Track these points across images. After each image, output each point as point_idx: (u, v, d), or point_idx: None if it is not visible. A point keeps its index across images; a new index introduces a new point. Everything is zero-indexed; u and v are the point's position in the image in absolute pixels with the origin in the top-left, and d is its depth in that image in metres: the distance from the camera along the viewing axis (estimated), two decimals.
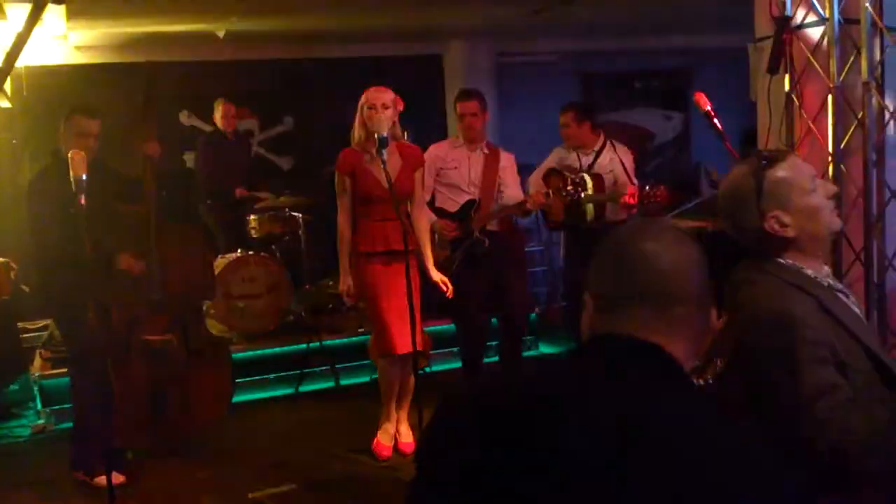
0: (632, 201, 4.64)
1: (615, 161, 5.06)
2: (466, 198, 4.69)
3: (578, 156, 5.15)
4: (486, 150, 4.74)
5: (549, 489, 1.07)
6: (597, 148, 5.14)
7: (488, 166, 4.71)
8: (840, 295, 1.97)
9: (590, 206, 4.88)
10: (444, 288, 4.15)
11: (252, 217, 6.19)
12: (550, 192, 4.62)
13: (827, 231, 1.96)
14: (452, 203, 4.71)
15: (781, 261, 1.92)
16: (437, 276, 4.17)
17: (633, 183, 4.91)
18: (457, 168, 4.70)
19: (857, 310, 2.02)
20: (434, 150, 4.71)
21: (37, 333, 5.61)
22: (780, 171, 1.90)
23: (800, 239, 1.91)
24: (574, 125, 5.10)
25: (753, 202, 1.89)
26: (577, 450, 1.08)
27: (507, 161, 4.80)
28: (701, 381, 3.84)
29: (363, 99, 3.97)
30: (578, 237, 5.27)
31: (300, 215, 6.17)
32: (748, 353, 1.97)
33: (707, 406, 1.22)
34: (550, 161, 5.29)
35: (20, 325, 5.41)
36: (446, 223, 4.65)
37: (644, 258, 1.26)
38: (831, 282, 1.97)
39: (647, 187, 4.64)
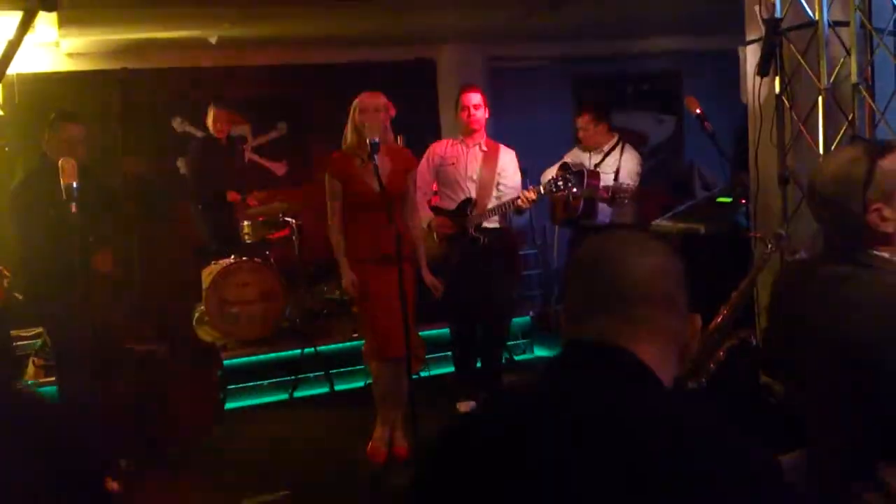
0: (604, 195, 4.84)
1: (619, 161, 5.12)
2: (464, 195, 4.72)
3: (590, 155, 5.23)
4: (484, 147, 4.76)
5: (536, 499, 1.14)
6: (607, 148, 5.21)
7: (487, 162, 4.74)
8: None
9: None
10: (436, 291, 4.16)
11: (245, 223, 6.18)
12: (542, 188, 4.64)
13: None
14: (450, 201, 4.74)
15: (878, 253, 1.87)
16: (429, 278, 4.18)
17: (615, 179, 5.02)
18: (454, 164, 4.73)
19: None
20: (434, 148, 4.78)
21: (30, 342, 5.58)
22: (891, 164, 1.85)
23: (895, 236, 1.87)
24: (591, 128, 5.21)
25: (860, 190, 1.84)
26: (552, 460, 1.15)
27: (507, 157, 4.82)
28: (694, 385, 3.85)
29: (355, 103, 3.98)
30: (576, 236, 5.32)
31: (294, 220, 6.17)
32: (869, 346, 1.86)
33: (672, 399, 1.26)
34: (566, 157, 5.37)
35: (13, 333, 5.39)
36: (443, 220, 4.68)
37: (606, 266, 1.31)
38: None
39: (622, 185, 4.86)
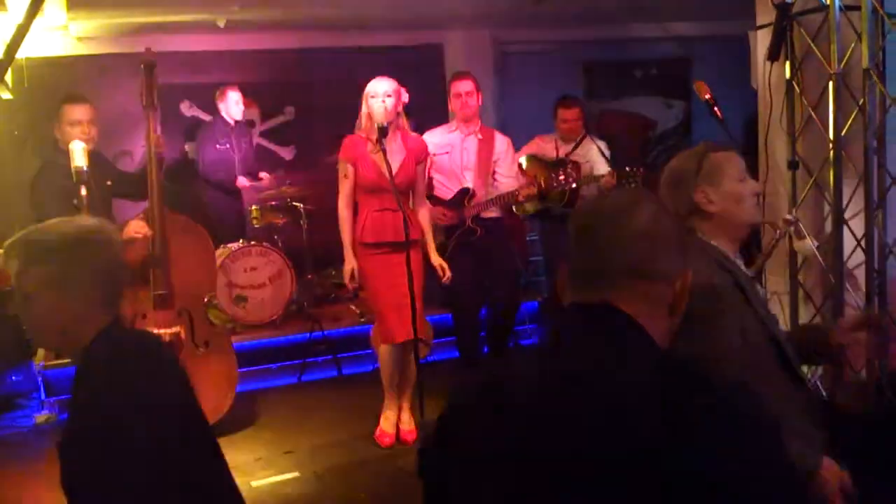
0: (612, 181, 4.82)
1: (592, 151, 5.17)
2: (460, 184, 4.70)
3: (557, 144, 5.28)
4: (479, 135, 4.74)
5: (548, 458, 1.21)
6: (578, 138, 5.33)
7: (482, 150, 4.73)
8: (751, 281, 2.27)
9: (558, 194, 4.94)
10: (441, 273, 4.17)
11: (254, 207, 6.21)
12: (542, 181, 4.65)
13: (746, 219, 2.27)
14: (446, 190, 4.74)
15: (703, 238, 2.22)
16: (436, 260, 4.19)
17: (610, 167, 5.08)
18: (448, 153, 4.72)
19: (762, 296, 2.38)
20: (427, 137, 4.69)
21: None
22: (719, 158, 2.26)
23: (720, 218, 2.22)
24: (582, 121, 5.35)
25: (693, 177, 2.23)
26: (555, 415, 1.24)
27: (502, 145, 4.81)
28: None
29: (367, 88, 3.99)
30: (552, 226, 5.35)
31: (301, 205, 6.18)
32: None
33: (659, 358, 1.35)
34: (531, 147, 5.40)
35: None
36: (440, 210, 4.67)
37: (592, 237, 1.40)
38: (742, 267, 2.26)
39: (627, 168, 4.78)
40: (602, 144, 5.31)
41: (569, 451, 1.19)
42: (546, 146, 5.36)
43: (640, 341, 1.33)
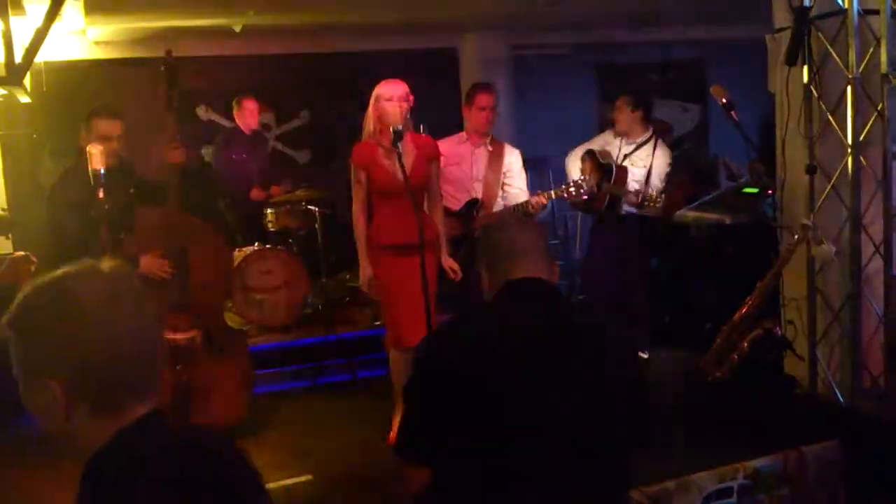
0: (634, 200, 4.87)
1: (650, 157, 5.08)
2: (469, 196, 4.68)
3: (620, 143, 5.18)
4: (489, 147, 4.73)
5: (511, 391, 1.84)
6: (641, 140, 5.17)
7: (492, 162, 4.71)
8: None
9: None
10: (453, 275, 4.14)
11: (269, 211, 6.23)
12: (552, 193, 4.63)
13: None
14: (456, 202, 4.70)
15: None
16: (448, 262, 4.16)
17: (646, 184, 5.02)
18: (458, 164, 4.69)
19: None
20: (438, 146, 4.73)
21: None
22: None
23: None
24: (627, 110, 5.16)
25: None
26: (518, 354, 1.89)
27: (512, 157, 4.78)
28: (718, 374, 3.84)
29: (377, 91, 3.97)
30: (597, 224, 5.31)
31: (317, 209, 6.19)
32: None
33: (580, 308, 2.46)
34: (594, 142, 5.32)
35: None
36: (449, 221, 4.61)
37: (511, 238, 2.12)
38: None
39: (653, 194, 4.83)
40: (663, 153, 5.14)
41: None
42: (612, 142, 5.26)
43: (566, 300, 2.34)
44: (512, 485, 1.81)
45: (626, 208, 5.06)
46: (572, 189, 4.55)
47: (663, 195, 4.94)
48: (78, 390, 1.24)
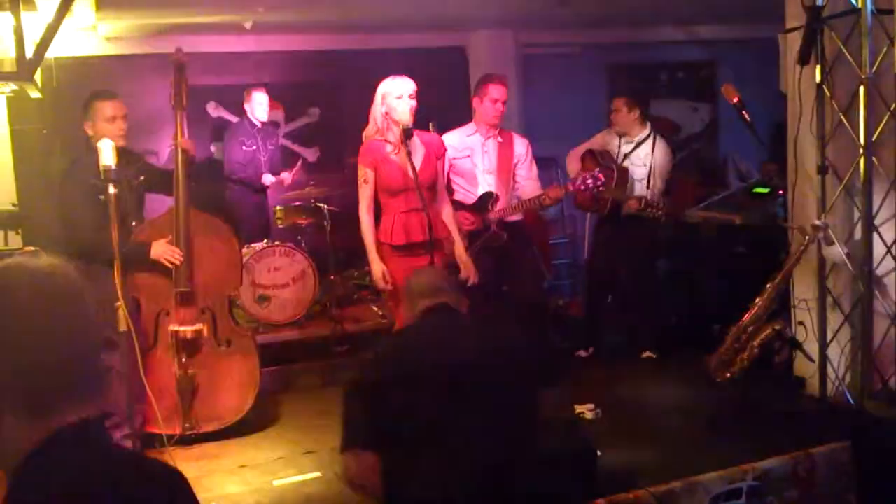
0: (635, 205, 4.81)
1: (650, 156, 5.06)
2: (482, 188, 4.65)
3: (620, 142, 5.18)
4: (499, 138, 4.70)
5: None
6: (640, 138, 5.16)
7: (502, 153, 4.68)
8: None
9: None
10: (465, 272, 4.05)
11: (278, 207, 6.25)
12: (569, 185, 4.59)
13: None
14: (468, 195, 4.67)
15: None
16: (463, 256, 4.09)
17: (649, 185, 5.01)
18: (469, 156, 4.67)
19: None
20: (445, 139, 4.61)
21: None
22: None
23: None
24: (625, 110, 5.19)
25: None
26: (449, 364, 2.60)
27: (522, 147, 4.76)
28: (728, 375, 3.82)
29: (385, 88, 3.93)
30: (602, 226, 5.29)
31: (325, 206, 6.20)
32: None
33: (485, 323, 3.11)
34: (594, 142, 5.32)
35: None
36: (463, 215, 4.59)
37: (424, 279, 3.03)
38: None
39: (655, 200, 4.81)
40: (664, 149, 5.14)
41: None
42: (612, 141, 5.27)
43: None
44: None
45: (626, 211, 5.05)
46: (589, 181, 4.50)
47: (666, 198, 4.91)
48: (4, 392, 1.16)
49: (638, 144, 5.15)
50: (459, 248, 4.11)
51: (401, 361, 2.66)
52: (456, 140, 4.67)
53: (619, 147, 5.18)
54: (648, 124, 5.25)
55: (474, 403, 2.50)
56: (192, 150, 4.10)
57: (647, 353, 5.24)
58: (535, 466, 2.63)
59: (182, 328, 4.11)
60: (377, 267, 3.98)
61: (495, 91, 4.60)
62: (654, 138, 5.18)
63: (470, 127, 4.74)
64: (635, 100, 5.21)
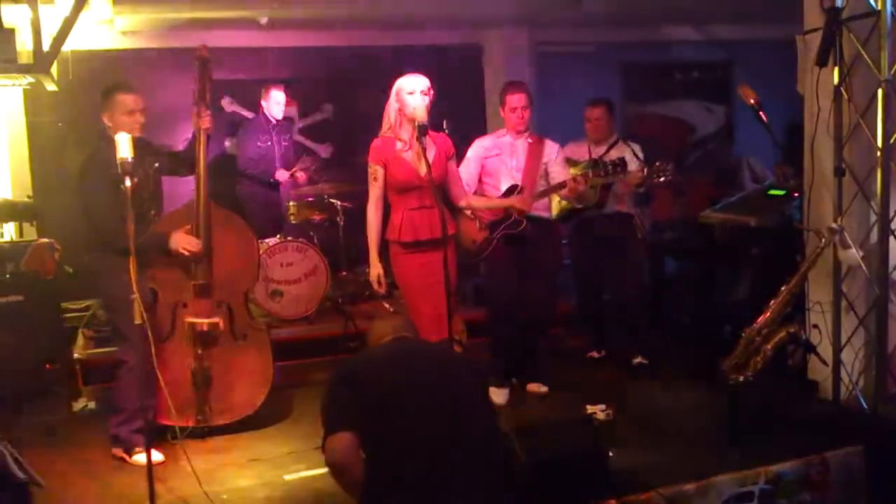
0: (641, 175, 4.77)
1: (626, 153, 5.10)
2: (508, 184, 4.67)
3: (590, 148, 5.23)
4: (529, 140, 4.72)
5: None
6: (611, 141, 5.28)
7: (532, 154, 4.69)
8: None
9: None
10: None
11: (291, 203, 6.27)
12: (590, 172, 4.56)
13: None
14: (495, 191, 4.69)
15: None
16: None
17: (643, 166, 4.99)
18: (498, 155, 4.68)
19: None
20: (478, 142, 4.74)
21: (79, 314, 5.71)
22: None
23: None
24: (607, 118, 5.28)
25: None
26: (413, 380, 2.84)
27: (551, 150, 4.77)
28: (741, 378, 3.81)
29: (399, 84, 3.93)
30: (584, 228, 5.31)
31: (338, 202, 6.21)
32: None
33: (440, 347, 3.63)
34: (562, 154, 5.32)
35: (63, 305, 5.51)
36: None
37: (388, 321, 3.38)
38: None
39: (657, 163, 4.71)
40: (636, 147, 5.24)
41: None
42: (579, 150, 5.30)
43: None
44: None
45: (608, 208, 5.12)
46: (610, 168, 4.49)
47: (680, 199, 4.91)
48: None
49: (611, 146, 5.23)
50: (526, 194, 4.45)
51: (369, 360, 3.01)
52: (488, 141, 4.75)
53: (590, 152, 5.24)
54: (615, 129, 5.38)
55: (432, 389, 2.83)
56: (211, 124, 4.15)
57: (638, 360, 5.20)
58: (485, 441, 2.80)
59: (199, 320, 4.13)
60: (374, 268, 3.98)
61: (513, 100, 4.64)
62: (624, 138, 5.29)
63: (502, 131, 4.80)
64: (611, 108, 5.33)
